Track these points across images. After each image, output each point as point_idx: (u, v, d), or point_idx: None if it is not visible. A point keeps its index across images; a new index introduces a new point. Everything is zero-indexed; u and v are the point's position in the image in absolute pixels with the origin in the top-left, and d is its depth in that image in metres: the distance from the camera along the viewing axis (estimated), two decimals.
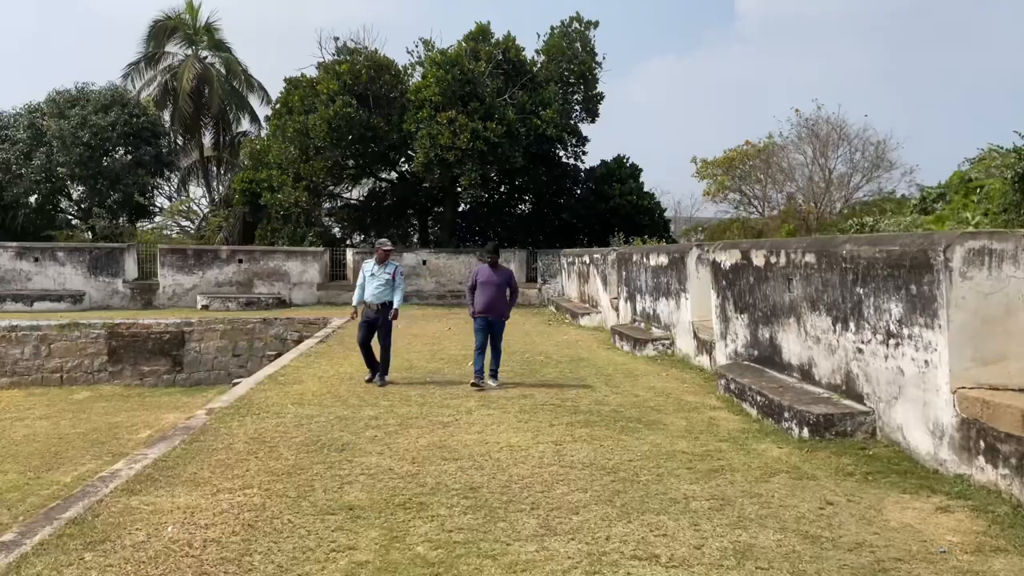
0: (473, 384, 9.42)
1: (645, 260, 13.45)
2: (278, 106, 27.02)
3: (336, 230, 30.89)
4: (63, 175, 26.10)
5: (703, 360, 10.69)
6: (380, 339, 10.01)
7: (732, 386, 8.28)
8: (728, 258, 9.36)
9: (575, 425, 7.33)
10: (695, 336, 10.95)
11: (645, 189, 27.73)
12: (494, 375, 9.71)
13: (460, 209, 29.55)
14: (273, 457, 6.36)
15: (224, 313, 21.53)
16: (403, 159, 27.69)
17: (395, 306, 10.03)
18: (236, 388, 9.58)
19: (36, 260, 23.50)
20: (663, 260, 12.29)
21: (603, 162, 28.31)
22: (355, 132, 24.26)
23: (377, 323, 9.93)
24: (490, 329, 9.71)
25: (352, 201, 30.76)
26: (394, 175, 29.32)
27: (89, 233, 26.53)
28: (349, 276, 25.24)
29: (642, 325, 13.68)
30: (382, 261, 10.06)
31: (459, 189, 28.28)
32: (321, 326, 18.80)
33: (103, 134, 25.89)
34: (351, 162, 26.49)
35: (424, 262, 25.26)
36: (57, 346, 18.37)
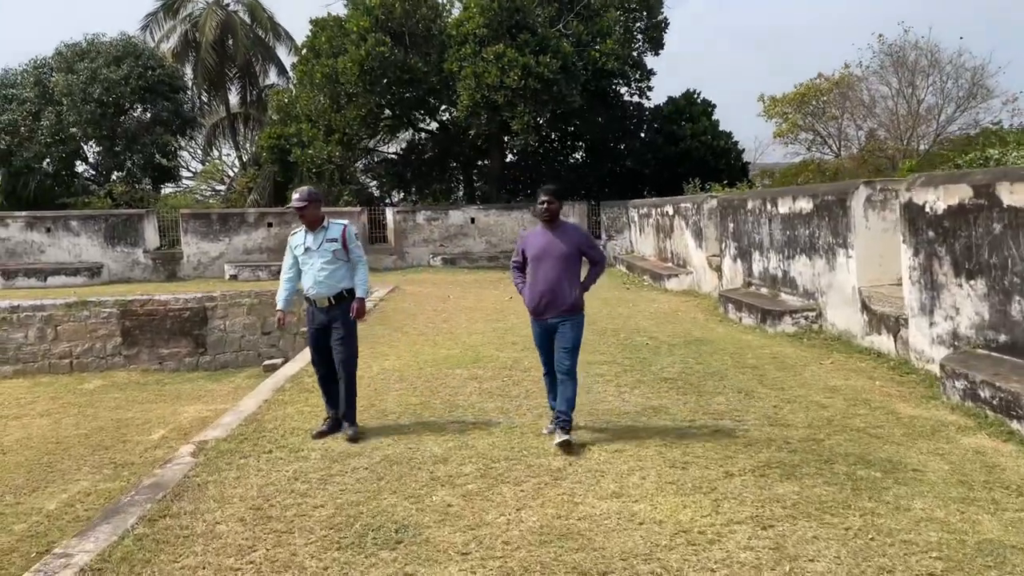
0: (562, 443, 5.17)
1: (768, 207, 10.46)
2: (304, 51, 24.25)
3: (373, 187, 28.26)
4: (75, 136, 23.76)
5: (880, 341, 7.77)
6: (338, 356, 5.94)
7: (987, 393, 5.41)
8: (941, 198, 6.39)
9: (768, 476, 4.52)
10: (865, 308, 8.02)
11: (720, 128, 24.40)
12: (562, 423, 5.28)
13: (507, 160, 26.62)
14: (282, 562, 3.73)
15: (254, 284, 19.12)
16: (444, 106, 24.77)
17: (358, 295, 6.01)
18: (245, 402, 6.97)
19: (48, 231, 21.29)
20: (804, 206, 9.30)
21: (670, 99, 25.02)
22: (390, 74, 21.37)
23: (328, 331, 5.98)
24: (556, 335, 5.51)
25: (389, 155, 28.02)
26: (434, 125, 26.45)
27: (108, 199, 24.30)
28: (389, 238, 22.62)
29: (763, 290, 10.76)
30: (314, 224, 5.97)
31: (507, 137, 25.38)
32: None
33: (116, 89, 23.41)
34: (387, 111, 23.68)
35: (472, 220, 22.50)
36: (65, 328, 16.11)
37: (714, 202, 13.36)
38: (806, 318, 9.10)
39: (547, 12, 22.18)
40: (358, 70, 21.07)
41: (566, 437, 5.18)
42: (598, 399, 6.49)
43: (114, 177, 26.09)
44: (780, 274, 10.16)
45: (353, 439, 5.64)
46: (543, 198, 5.55)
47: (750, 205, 11.16)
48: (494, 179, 25.36)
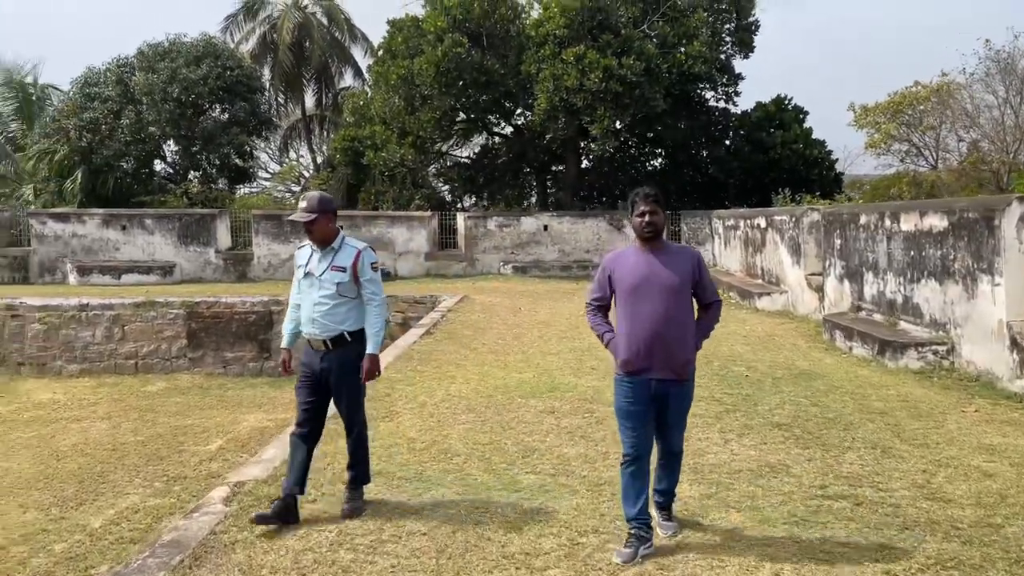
0: (634, 558, 3.79)
1: (887, 223, 9.22)
2: (380, 52, 23.85)
3: (445, 191, 27.67)
4: (154, 135, 23.89)
5: None
6: (343, 415, 4.75)
7: None
8: None
9: None
10: (1015, 345, 6.76)
11: (813, 136, 22.85)
12: (664, 510, 4.20)
13: (583, 166, 25.64)
14: None
15: None
16: (520, 109, 23.99)
17: (370, 349, 4.61)
18: (283, 436, 6.20)
19: (124, 228, 21.37)
20: (935, 223, 8.05)
21: (759, 104, 23.60)
22: (467, 76, 20.69)
23: (329, 381, 4.61)
24: (658, 411, 3.99)
25: (462, 159, 27.40)
26: (508, 129, 25.68)
27: (185, 198, 24.36)
28: (460, 244, 21.93)
29: (876, 317, 9.51)
30: (324, 241, 4.58)
31: (584, 142, 24.43)
32: (428, 307, 15.54)
33: (194, 89, 23.42)
34: (461, 113, 23.04)
35: (545, 227, 21.60)
36: (131, 328, 15.89)
37: (816, 215, 12.11)
38: (935, 352, 7.85)
39: (631, 12, 21.16)
40: (434, 71, 20.48)
41: (675, 528, 4.08)
42: (701, 449, 5.47)
43: (191, 176, 26.19)
44: (900, 299, 8.91)
45: (353, 513, 4.37)
46: (642, 207, 3.96)
47: (863, 220, 9.92)
48: (569, 185, 24.43)
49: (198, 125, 24.13)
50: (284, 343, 4.96)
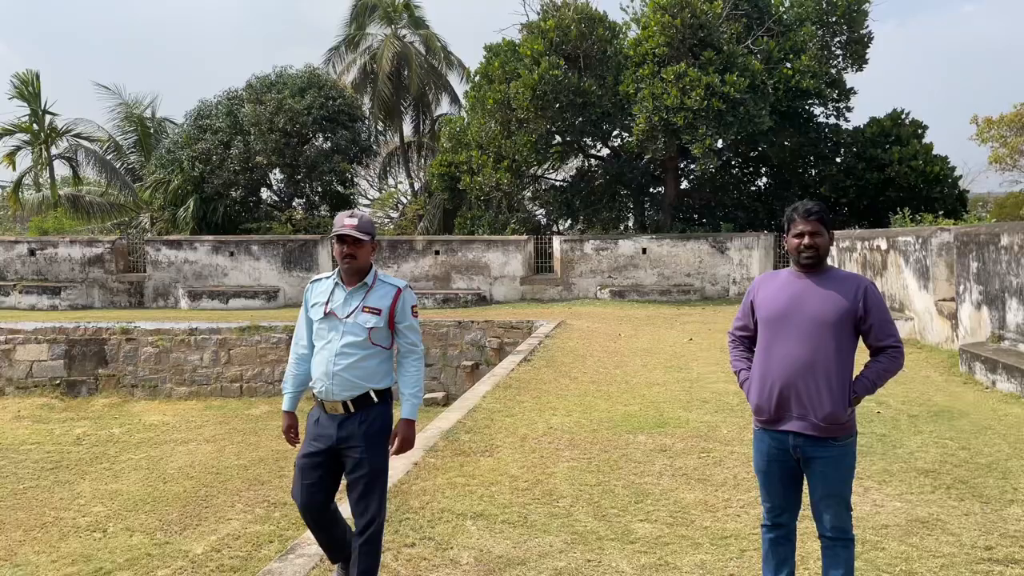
0: None
1: None
2: (477, 77, 23.97)
3: (540, 215, 27.46)
4: (261, 164, 24.77)
5: None
6: (354, 512, 3.62)
7: None
8: None
9: None
10: None
11: (935, 151, 21.41)
12: None
13: (682, 187, 24.92)
14: None
15: (420, 312, 18.72)
16: (617, 130, 23.58)
17: (406, 414, 3.68)
18: (391, 464, 5.95)
19: (231, 254, 22.13)
20: None
21: (873, 120, 22.33)
22: (563, 98, 20.46)
23: (344, 456, 3.61)
24: (806, 471, 3.29)
25: (557, 182, 27.15)
26: (605, 151, 25.28)
27: (289, 225, 25.08)
28: (556, 268, 21.60)
29: (1022, 347, 8.55)
30: (356, 274, 3.65)
31: (684, 162, 23.75)
32: (524, 332, 15.25)
33: (299, 119, 24.17)
34: (557, 136, 22.83)
35: (643, 250, 21.02)
36: (237, 352, 16.28)
37: (947, 236, 11.13)
38: None
39: (734, 29, 20.48)
40: (530, 95, 20.36)
41: None
42: None
43: (295, 204, 26.98)
44: None
45: None
46: (801, 226, 3.26)
47: (1005, 240, 8.99)
48: (668, 207, 23.76)
49: (302, 154, 24.85)
50: (286, 405, 3.89)
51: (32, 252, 22.05)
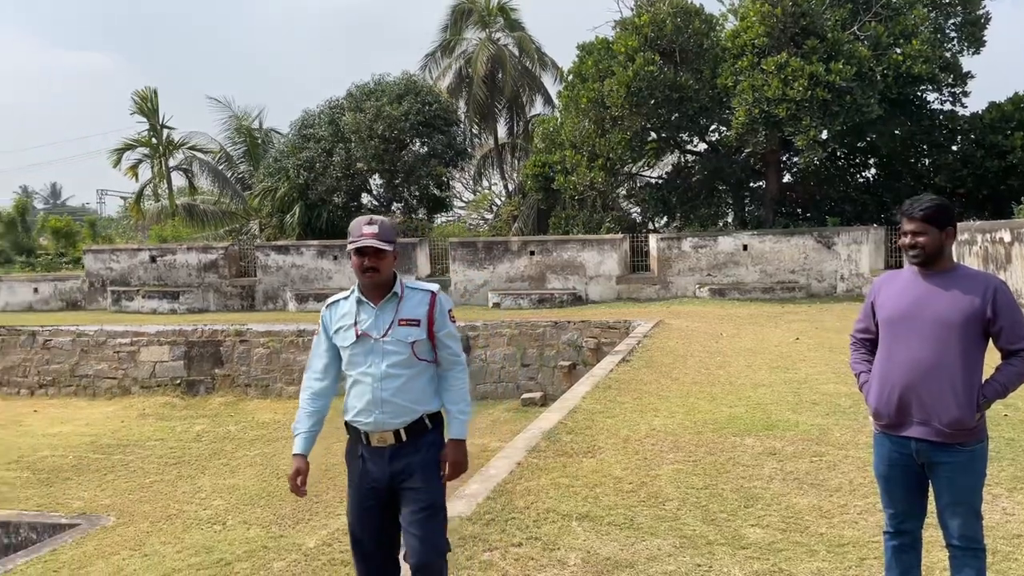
0: None
1: None
2: (570, 77, 23.95)
3: (636, 213, 27.14)
4: (362, 170, 25.53)
5: None
6: (411, 549, 3.16)
7: None
8: None
9: None
10: None
11: None
12: None
13: (784, 180, 24.10)
14: None
15: (515, 312, 18.89)
16: (714, 125, 23.04)
17: (455, 434, 3.32)
18: (494, 464, 6.01)
19: (335, 258, 22.91)
20: None
21: (993, 105, 20.99)
22: (658, 94, 20.16)
23: (399, 493, 3.22)
24: (931, 476, 3.15)
25: (653, 180, 26.77)
26: (702, 146, 24.75)
27: None
28: (652, 266, 21.30)
29: None
30: (381, 288, 3.28)
31: (786, 155, 22.97)
32: (622, 332, 15.11)
33: (396, 125, 24.78)
34: (652, 133, 22.52)
35: (744, 247, 20.45)
36: None
37: None
38: None
39: (838, 15, 19.66)
40: (625, 91, 20.16)
41: None
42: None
43: (393, 208, 27.66)
44: None
45: None
46: (906, 226, 3.14)
47: None
48: (769, 202, 23.03)
49: (400, 159, 25.45)
50: (298, 448, 3.42)
51: (153, 259, 23.48)
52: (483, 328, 16.47)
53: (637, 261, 22.06)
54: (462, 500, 5.17)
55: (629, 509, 4.87)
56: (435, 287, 3.36)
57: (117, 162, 30.72)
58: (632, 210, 27.02)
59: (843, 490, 5.00)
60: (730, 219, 25.70)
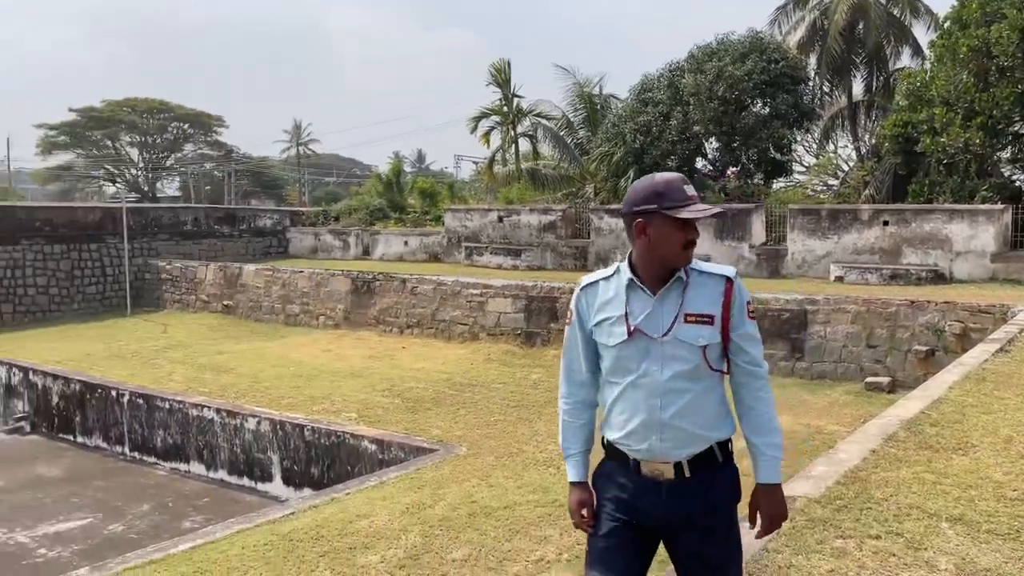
0: None
1: None
2: (947, 23, 20.91)
3: (1021, 181, 23.05)
4: (698, 133, 25.03)
5: None
6: None
7: None
8: None
9: None
10: None
11: None
12: None
13: None
14: None
15: (860, 288, 17.27)
16: None
17: (764, 477, 2.46)
18: (844, 448, 5.50)
19: None
20: None
21: None
22: None
23: (675, 545, 2.47)
24: None
25: None
26: None
27: (723, 194, 25.05)
28: None
29: None
30: (680, 258, 2.44)
31: None
32: (997, 319, 13.01)
33: (738, 86, 23.81)
34: None
35: None
36: None
37: None
38: None
39: None
40: (1017, 38, 17.08)
41: None
42: None
43: (729, 172, 26.78)
44: None
45: None
46: None
47: None
48: None
49: (739, 121, 24.47)
50: (575, 475, 2.66)
51: (500, 219, 25.57)
52: (824, 303, 15.28)
53: (1021, 237, 18.75)
54: (809, 480, 4.82)
55: (1015, 519, 4.15)
56: (731, 270, 2.54)
57: (473, 129, 33.87)
58: (1017, 177, 23.03)
59: None
60: None
